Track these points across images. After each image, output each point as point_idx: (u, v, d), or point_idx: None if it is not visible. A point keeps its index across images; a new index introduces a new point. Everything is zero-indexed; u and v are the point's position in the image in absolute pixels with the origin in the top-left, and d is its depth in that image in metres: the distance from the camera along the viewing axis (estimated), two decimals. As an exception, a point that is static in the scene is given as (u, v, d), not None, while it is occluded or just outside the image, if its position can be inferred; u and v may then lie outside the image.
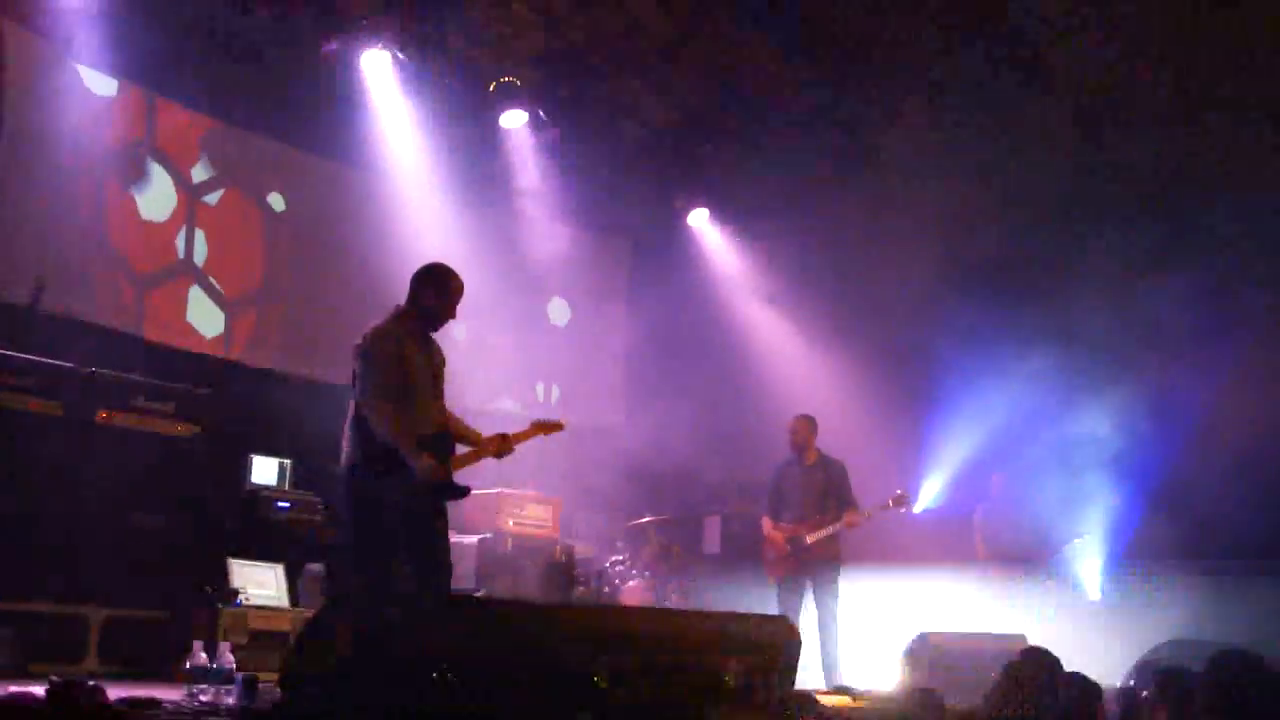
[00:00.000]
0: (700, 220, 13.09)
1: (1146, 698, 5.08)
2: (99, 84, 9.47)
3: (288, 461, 9.16)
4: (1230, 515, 9.49)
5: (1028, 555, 10.55)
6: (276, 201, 10.88)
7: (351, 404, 6.31)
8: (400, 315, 6.53)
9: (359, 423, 6.23)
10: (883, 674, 8.62)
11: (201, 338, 10.25)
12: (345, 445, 6.28)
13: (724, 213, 13.07)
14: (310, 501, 9.00)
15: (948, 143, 10.54)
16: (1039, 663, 4.80)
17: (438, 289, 6.60)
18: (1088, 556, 10.64)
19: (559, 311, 13.05)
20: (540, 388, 12.89)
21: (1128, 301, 10.00)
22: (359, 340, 6.36)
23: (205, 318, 10.31)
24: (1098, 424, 10.34)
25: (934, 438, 11.13)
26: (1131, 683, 7.96)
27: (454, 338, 9.77)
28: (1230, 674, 4.27)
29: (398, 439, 6.18)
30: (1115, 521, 10.44)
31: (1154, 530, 10.13)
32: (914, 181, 10.82)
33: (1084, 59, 10.09)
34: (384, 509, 6.21)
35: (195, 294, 10.29)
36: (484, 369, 11.53)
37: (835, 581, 9.61)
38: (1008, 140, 10.57)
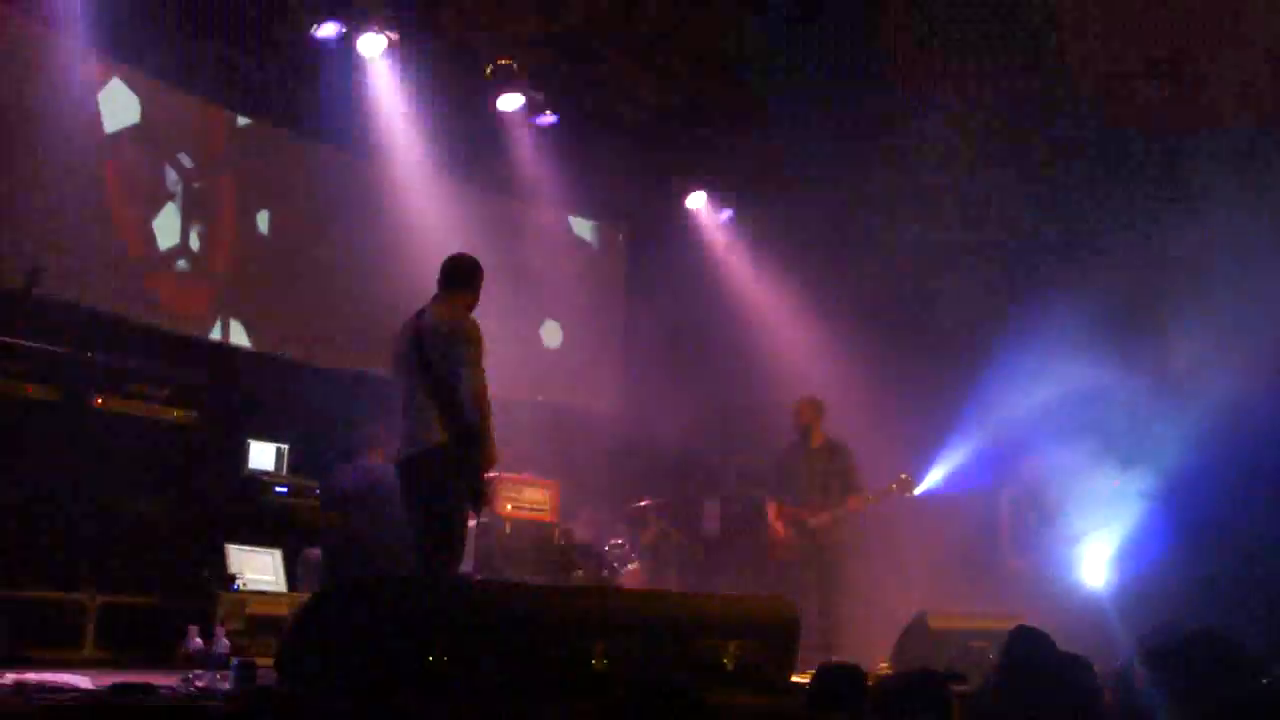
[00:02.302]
0: (698, 203, 13.04)
1: (1138, 674, 5.07)
2: (93, 67, 9.43)
3: (285, 446, 9.15)
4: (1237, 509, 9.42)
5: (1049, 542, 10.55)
6: (272, 186, 10.84)
7: (425, 387, 6.55)
8: (462, 304, 6.81)
9: (445, 403, 6.50)
10: (882, 654, 8.62)
11: (198, 322, 10.23)
12: (421, 425, 6.54)
13: (722, 195, 13.03)
14: (308, 486, 8.98)
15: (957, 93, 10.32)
16: (1032, 641, 4.80)
17: (481, 281, 6.97)
18: (1096, 543, 10.59)
19: (555, 294, 12.99)
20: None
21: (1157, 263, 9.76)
22: (452, 325, 6.62)
23: (202, 302, 10.29)
24: (1116, 406, 10.18)
25: (943, 418, 11.07)
26: (1125, 663, 7.91)
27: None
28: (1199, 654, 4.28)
29: (487, 423, 6.53)
30: (1125, 508, 10.36)
31: (1161, 519, 10.06)
32: (921, 148, 10.66)
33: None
34: (473, 488, 6.63)
35: (192, 278, 10.26)
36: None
37: (839, 565, 9.63)
38: (1023, 98, 10.34)
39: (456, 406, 6.52)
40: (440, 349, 6.58)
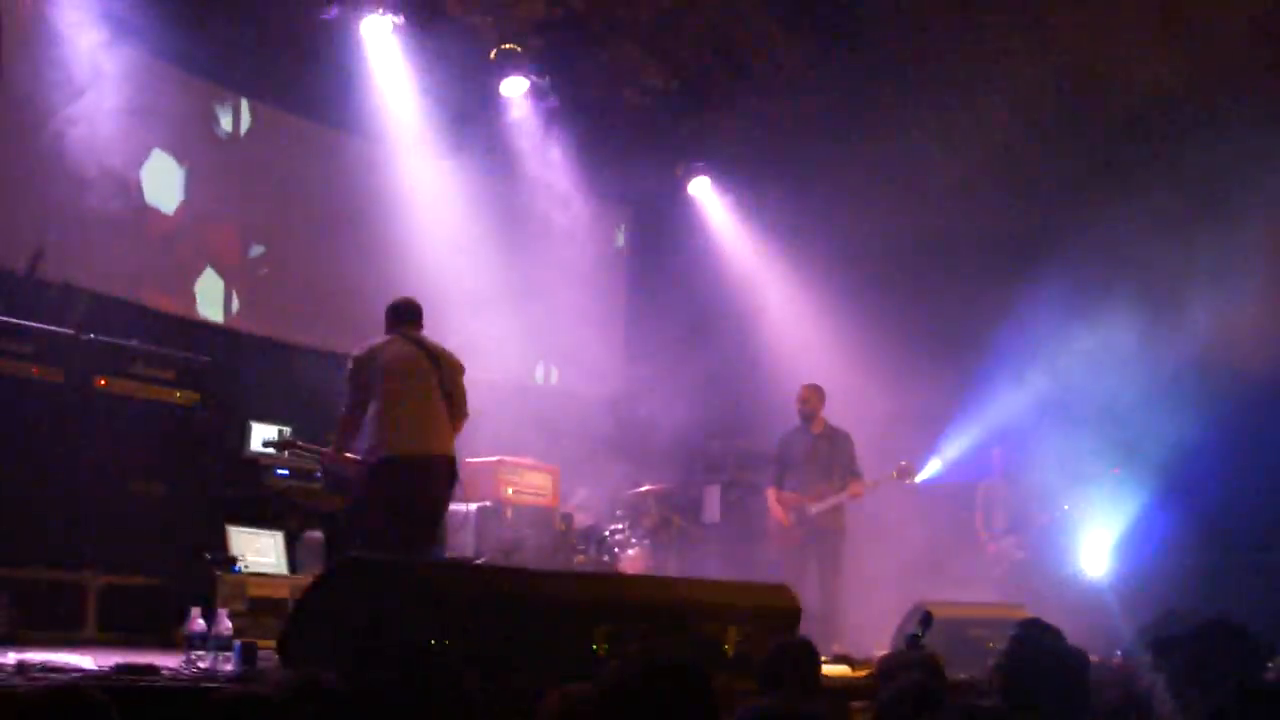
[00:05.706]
0: (701, 187, 13.02)
1: (1139, 665, 5.08)
2: (98, 48, 9.38)
3: (287, 429, 9.15)
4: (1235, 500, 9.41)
5: (1024, 528, 10.53)
6: (277, 168, 10.81)
7: (441, 403, 7.44)
8: None
9: (452, 423, 7.54)
10: (881, 642, 8.63)
11: (201, 305, 10.21)
12: (443, 434, 7.45)
13: (725, 179, 13.00)
14: (309, 469, 8.98)
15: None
16: (1039, 633, 4.80)
17: None
18: (1095, 532, 10.59)
19: (558, 278, 12.96)
20: (540, 368, 12.89)
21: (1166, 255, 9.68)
22: (457, 360, 7.61)
23: (205, 285, 10.27)
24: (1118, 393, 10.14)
25: (945, 406, 11.07)
26: (1121, 653, 7.93)
27: (455, 308, 9.80)
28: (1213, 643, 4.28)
29: None
30: (1124, 499, 10.36)
31: (1160, 510, 10.05)
32: (921, 133, 10.61)
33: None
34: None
35: (195, 261, 10.24)
36: (481, 339, 11.48)
37: (838, 551, 9.64)
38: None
39: (457, 427, 7.53)
40: (457, 380, 7.52)
